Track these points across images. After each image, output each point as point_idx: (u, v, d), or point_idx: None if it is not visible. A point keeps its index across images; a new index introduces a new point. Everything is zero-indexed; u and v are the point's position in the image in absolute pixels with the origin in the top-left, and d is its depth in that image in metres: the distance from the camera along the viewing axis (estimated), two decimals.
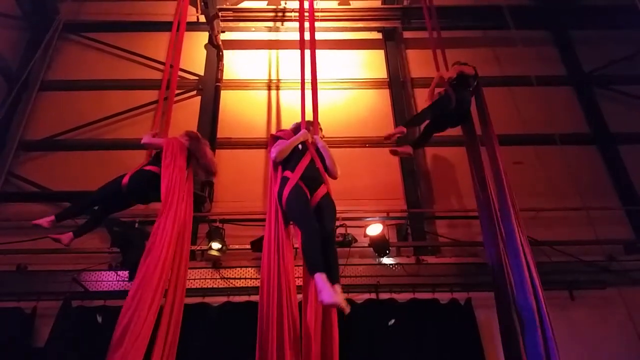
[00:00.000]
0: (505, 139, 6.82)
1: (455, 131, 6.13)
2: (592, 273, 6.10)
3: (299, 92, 4.99)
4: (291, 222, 4.18)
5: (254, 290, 5.84)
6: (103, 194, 4.86)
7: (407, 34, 8.66)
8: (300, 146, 4.41)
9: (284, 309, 3.79)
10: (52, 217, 4.75)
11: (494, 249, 4.95)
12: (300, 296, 3.98)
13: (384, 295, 5.97)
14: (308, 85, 4.94)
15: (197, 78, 8.09)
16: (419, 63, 8.18)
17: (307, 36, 5.32)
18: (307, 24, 5.49)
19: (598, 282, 6.06)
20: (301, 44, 5.27)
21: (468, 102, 5.85)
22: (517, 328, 4.46)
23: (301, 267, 4.10)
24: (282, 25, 8.64)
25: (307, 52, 5.15)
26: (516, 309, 4.53)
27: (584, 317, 5.83)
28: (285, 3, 8.64)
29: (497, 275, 4.83)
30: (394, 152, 6.04)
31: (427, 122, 5.98)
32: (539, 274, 4.70)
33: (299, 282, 4.13)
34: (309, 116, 4.79)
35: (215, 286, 6.03)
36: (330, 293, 3.41)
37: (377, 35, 8.79)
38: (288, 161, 4.33)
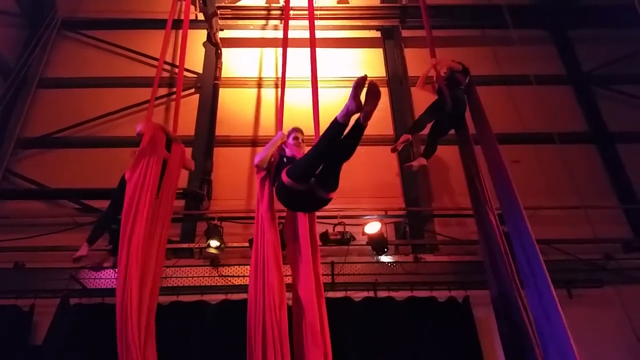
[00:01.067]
0: (503, 137, 6.80)
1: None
2: (590, 271, 6.11)
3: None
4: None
5: None
6: (119, 200, 4.66)
7: (405, 33, 8.64)
8: (285, 159, 4.33)
9: (267, 312, 3.84)
10: (85, 245, 4.92)
11: (490, 251, 4.85)
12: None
13: (382, 294, 5.97)
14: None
15: (195, 76, 8.08)
16: (417, 62, 8.13)
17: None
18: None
19: (596, 280, 6.07)
20: (284, 42, 5.26)
21: (463, 101, 5.79)
22: (530, 335, 4.17)
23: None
24: (281, 23, 8.64)
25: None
26: (529, 313, 4.28)
27: (582, 316, 5.80)
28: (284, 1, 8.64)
29: (498, 277, 4.63)
30: (409, 167, 6.03)
31: (429, 128, 5.98)
32: None
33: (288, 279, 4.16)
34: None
35: (213, 284, 6.03)
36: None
37: (375, 34, 8.78)
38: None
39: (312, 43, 5.15)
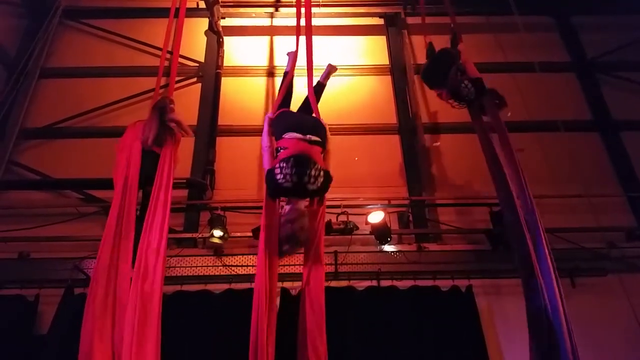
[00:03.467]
0: (507, 125, 6.79)
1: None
2: (593, 260, 6.09)
3: (301, 78, 4.97)
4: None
5: None
6: None
7: (410, 20, 8.57)
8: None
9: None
10: None
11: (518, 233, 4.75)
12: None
13: (385, 283, 5.98)
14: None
15: (197, 65, 8.03)
16: (422, 49, 8.10)
17: (303, 22, 5.23)
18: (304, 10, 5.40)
19: (599, 269, 6.05)
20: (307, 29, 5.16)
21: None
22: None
23: None
24: (277, 11, 8.62)
25: (303, 38, 5.07)
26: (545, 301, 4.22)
27: (585, 304, 5.82)
28: None
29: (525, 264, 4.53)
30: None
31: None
32: None
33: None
34: None
35: (217, 273, 6.03)
36: None
37: (378, 21, 8.70)
38: None
39: (309, 31, 5.07)
